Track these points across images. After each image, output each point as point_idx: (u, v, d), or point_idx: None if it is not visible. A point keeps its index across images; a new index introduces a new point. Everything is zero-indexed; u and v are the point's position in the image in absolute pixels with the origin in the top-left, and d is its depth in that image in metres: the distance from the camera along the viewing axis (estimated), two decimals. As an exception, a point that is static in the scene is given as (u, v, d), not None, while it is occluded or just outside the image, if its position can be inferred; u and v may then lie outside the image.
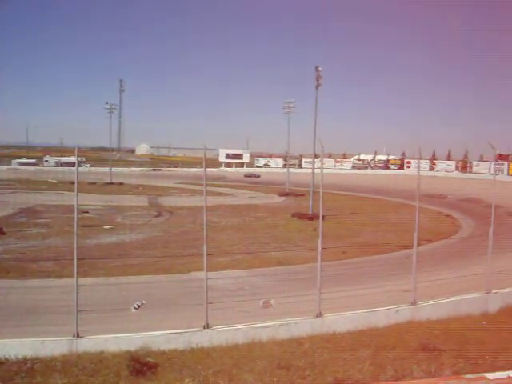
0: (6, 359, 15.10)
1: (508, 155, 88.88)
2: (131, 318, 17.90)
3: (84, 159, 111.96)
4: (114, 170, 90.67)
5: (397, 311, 19.39)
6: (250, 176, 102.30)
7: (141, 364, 14.41)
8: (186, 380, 13.39)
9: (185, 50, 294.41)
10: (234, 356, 15.44)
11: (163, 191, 73.32)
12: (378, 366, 14.73)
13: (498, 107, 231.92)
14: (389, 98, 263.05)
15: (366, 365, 14.82)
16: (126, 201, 59.34)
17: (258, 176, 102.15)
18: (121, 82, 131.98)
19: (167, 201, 62.20)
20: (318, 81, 53.71)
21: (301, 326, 17.72)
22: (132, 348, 15.68)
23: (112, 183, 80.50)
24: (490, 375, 9.15)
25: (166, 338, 16.59)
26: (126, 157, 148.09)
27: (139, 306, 17.88)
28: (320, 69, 53.86)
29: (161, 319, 18.39)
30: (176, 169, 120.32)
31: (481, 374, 9.51)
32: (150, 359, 14.96)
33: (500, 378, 8.91)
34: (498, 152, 33.86)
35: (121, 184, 79.56)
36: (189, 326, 17.37)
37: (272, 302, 17.78)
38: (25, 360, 15.13)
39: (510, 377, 8.97)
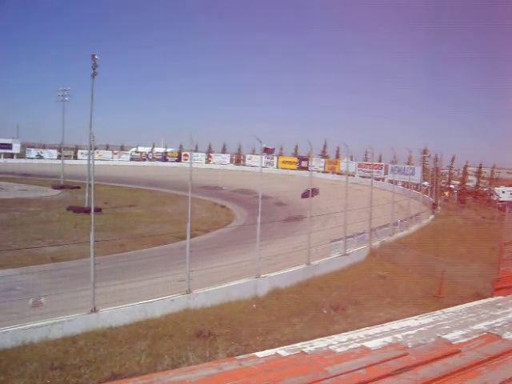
0: None
1: (273, 149, 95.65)
2: None
3: None
4: None
5: (172, 300, 19.84)
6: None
7: None
8: None
9: None
10: (1, 362, 14.44)
11: None
12: (155, 356, 15.00)
13: (269, 105, 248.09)
14: (165, 88, 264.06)
15: (143, 356, 14.98)
16: None
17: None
18: None
19: None
20: (94, 69, 52.19)
21: (75, 323, 17.20)
22: None
23: None
24: (260, 354, 9.87)
25: None
26: None
27: None
28: (96, 57, 52.37)
29: None
30: None
31: (251, 354, 10.20)
32: None
33: (269, 355, 9.65)
34: (264, 145, 36.39)
35: None
36: None
37: (43, 300, 16.95)
38: None
39: (277, 353, 9.75)
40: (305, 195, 48.90)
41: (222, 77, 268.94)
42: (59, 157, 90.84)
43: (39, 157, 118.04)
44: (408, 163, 68.01)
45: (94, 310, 17.76)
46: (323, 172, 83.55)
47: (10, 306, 18.74)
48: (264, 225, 24.50)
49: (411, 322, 13.26)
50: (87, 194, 48.30)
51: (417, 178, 60.45)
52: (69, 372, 13.88)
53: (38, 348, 15.50)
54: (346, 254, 28.83)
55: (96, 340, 16.32)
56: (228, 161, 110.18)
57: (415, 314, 15.29)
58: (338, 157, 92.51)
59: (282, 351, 9.89)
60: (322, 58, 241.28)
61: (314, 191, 38.53)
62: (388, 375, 7.08)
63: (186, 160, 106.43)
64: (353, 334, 12.02)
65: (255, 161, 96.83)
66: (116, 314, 18.06)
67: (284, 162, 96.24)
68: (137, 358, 14.89)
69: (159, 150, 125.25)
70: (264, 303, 21.43)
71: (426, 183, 61.00)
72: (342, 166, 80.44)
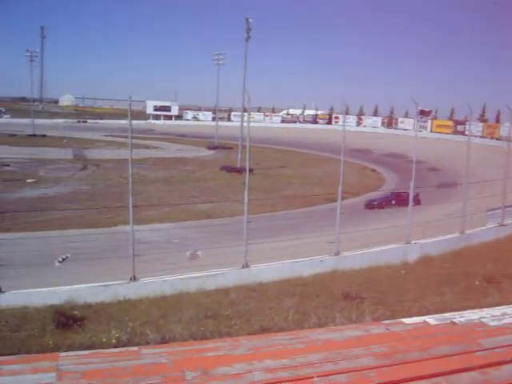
0: None
1: (430, 111, 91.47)
2: (55, 271, 17.64)
3: (3, 109, 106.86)
4: (37, 121, 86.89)
5: (321, 261, 19.99)
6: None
7: (66, 317, 14.28)
8: (113, 332, 13.36)
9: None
10: (162, 307, 15.56)
11: (89, 144, 71.22)
12: (302, 314, 15.21)
13: (423, 65, 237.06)
14: (319, 53, 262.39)
15: (290, 313, 15.27)
16: (50, 154, 57.38)
17: None
18: (42, 28, 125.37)
19: (93, 153, 60.57)
20: (247, 33, 53.12)
21: (228, 276, 18.01)
22: (57, 302, 15.50)
23: (35, 135, 77.23)
24: (407, 320, 9.63)
25: (92, 291, 16.49)
26: (48, 108, 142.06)
27: (63, 260, 17.58)
28: (250, 20, 53.22)
29: (86, 272, 18.21)
30: (102, 121, 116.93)
31: (399, 320, 9.98)
32: (76, 312, 14.85)
33: (417, 323, 9.37)
34: (420, 108, 35.10)
35: (44, 136, 76.41)
36: (115, 278, 17.33)
37: (199, 253, 17.93)
38: None
39: (425, 321, 9.44)
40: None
41: (377, 38, 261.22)
42: (214, 119, 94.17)
43: (195, 119, 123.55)
44: None
45: (246, 266, 18.45)
46: (481, 137, 78.58)
47: (168, 257, 20.13)
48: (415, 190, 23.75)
49: None
50: (239, 155, 49.79)
51: None
52: (221, 322, 14.56)
53: (193, 297, 16.48)
54: (503, 225, 27.05)
55: (247, 294, 16.95)
56: (379, 124, 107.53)
57: None
58: (498, 121, 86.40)
59: (431, 319, 9.52)
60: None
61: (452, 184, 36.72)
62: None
63: (336, 123, 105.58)
64: (508, 309, 11.31)
65: (408, 124, 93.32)
66: (266, 271, 18.62)
67: (438, 126, 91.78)
68: (285, 314, 15.23)
69: (310, 112, 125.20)
70: (413, 270, 20.87)
71: None
72: (503, 130, 74.99)
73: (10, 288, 16.05)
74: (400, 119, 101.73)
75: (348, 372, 4.81)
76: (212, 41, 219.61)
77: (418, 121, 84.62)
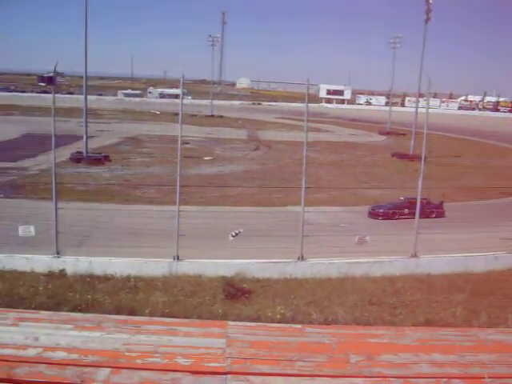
0: (112, 276, 16.29)
1: None
2: (228, 245, 18.59)
3: (186, 91, 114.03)
4: (215, 102, 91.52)
5: (495, 258, 18.83)
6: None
7: (236, 289, 15.04)
8: (279, 308, 13.80)
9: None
10: (326, 289, 15.72)
11: (262, 125, 73.65)
12: (472, 311, 14.46)
13: None
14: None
15: (458, 308, 14.61)
16: (226, 133, 60.27)
17: None
18: (223, 14, 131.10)
19: (266, 135, 62.50)
20: (427, 14, 50.80)
21: (395, 264, 17.69)
22: (228, 274, 16.36)
23: (212, 116, 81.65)
24: None
25: (260, 266, 17.13)
26: (226, 90, 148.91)
27: (236, 235, 18.48)
28: (430, 1, 50.77)
29: (256, 248, 18.95)
30: (276, 103, 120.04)
31: None
32: (245, 285, 15.55)
33: None
34: None
35: (221, 117, 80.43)
36: (282, 256, 17.81)
37: (367, 238, 17.77)
38: (128, 278, 16.24)
39: None
40: None
41: None
42: (387, 103, 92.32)
43: (368, 103, 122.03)
44: None
45: (415, 255, 17.96)
46: None
47: (335, 240, 20.24)
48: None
49: None
50: (413, 142, 48.26)
51: None
52: (385, 310, 14.39)
53: (358, 282, 16.44)
54: None
55: (413, 284, 16.52)
56: None
57: None
58: None
59: None
60: None
61: None
62: None
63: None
64: None
65: None
66: (435, 263, 17.98)
67: None
68: (452, 310, 14.62)
69: (490, 99, 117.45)
70: None
71: None
72: None
73: (186, 257, 17.22)
74: None
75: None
76: (388, 22, 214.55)
77: None
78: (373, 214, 26.86)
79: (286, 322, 11.83)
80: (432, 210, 22.48)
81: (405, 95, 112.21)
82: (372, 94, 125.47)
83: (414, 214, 24.38)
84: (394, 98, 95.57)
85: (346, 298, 14.89)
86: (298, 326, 6.26)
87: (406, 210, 25.57)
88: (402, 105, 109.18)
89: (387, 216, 26.54)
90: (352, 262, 17.43)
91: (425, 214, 22.12)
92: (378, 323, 12.79)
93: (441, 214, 25.42)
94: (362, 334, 5.68)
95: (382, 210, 27.09)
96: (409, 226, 18.78)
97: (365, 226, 22.50)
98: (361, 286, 16.13)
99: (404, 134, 62.49)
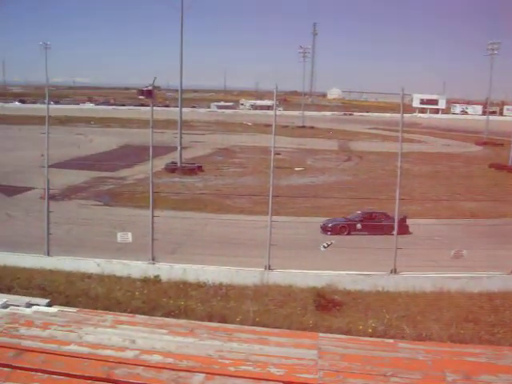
0: (205, 283, 16.65)
1: None
2: (319, 255, 18.53)
3: (278, 103, 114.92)
4: (306, 113, 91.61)
5: None
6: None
7: (327, 300, 14.92)
8: (370, 321, 13.57)
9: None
10: (420, 303, 15.27)
11: (354, 136, 73.04)
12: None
13: None
14: None
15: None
16: (317, 144, 60.27)
17: None
18: (314, 25, 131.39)
19: (357, 145, 61.92)
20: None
21: (494, 281, 16.91)
22: (318, 285, 16.27)
23: (303, 127, 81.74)
24: None
25: (352, 278, 16.95)
26: (317, 101, 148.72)
27: (328, 246, 18.39)
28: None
29: (347, 259, 18.76)
30: (368, 114, 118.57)
31: None
32: (336, 297, 15.41)
33: None
34: None
35: (312, 128, 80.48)
36: (376, 269, 17.52)
37: (464, 252, 17.14)
38: (220, 286, 16.53)
39: None
40: None
41: None
42: (484, 113, 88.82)
43: (463, 112, 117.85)
44: None
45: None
46: None
47: (430, 253, 19.67)
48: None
49: None
50: (512, 152, 46.18)
51: None
52: (482, 327, 13.74)
53: (454, 297, 15.84)
54: None
55: (514, 302, 15.72)
56: None
57: None
58: None
59: None
60: None
61: None
62: None
63: None
64: None
65: None
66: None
67: None
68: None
69: None
70: None
71: None
72: None
73: (277, 266, 17.34)
74: None
75: None
76: (484, 28, 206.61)
77: None
78: (323, 229, 24.92)
79: (378, 336, 11.64)
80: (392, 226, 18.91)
81: (503, 103, 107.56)
82: (468, 102, 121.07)
83: (368, 229, 24.16)
84: (492, 106, 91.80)
85: (441, 313, 14.39)
86: (391, 341, 6.17)
87: (359, 225, 24.71)
88: (501, 114, 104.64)
89: (335, 231, 24.55)
90: (447, 277, 16.86)
91: (383, 231, 21.37)
92: (474, 341, 12.26)
93: (406, 230, 22.62)
94: (458, 352, 5.51)
95: (330, 225, 24.99)
96: (508, 240, 17.88)
97: (460, 240, 21.63)
98: (456, 301, 15.53)
99: (502, 144, 59.92)
